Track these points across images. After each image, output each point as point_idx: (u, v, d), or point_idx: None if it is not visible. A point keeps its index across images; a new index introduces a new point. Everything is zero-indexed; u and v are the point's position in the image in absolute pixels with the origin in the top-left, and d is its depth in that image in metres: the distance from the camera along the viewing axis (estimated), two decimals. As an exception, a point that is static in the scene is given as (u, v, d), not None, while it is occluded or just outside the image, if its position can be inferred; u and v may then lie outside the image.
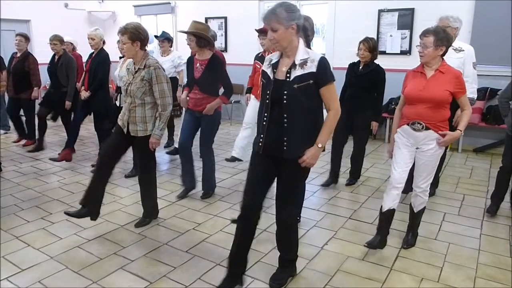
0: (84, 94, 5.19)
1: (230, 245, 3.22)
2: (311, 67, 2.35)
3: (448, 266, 3.02)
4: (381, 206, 3.24)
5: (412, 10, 6.37)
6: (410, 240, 3.31)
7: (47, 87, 8.99)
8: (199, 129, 4.21)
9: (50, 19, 9.08)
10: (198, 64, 4.04)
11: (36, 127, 6.05)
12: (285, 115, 2.39)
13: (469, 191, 4.54)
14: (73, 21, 9.50)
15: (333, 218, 3.85)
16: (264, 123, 2.46)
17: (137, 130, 3.38)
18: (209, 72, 3.97)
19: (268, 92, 2.44)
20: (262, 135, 2.48)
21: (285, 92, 2.37)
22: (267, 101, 2.44)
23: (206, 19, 8.41)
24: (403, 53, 6.55)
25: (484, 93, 5.93)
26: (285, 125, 2.40)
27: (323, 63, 2.36)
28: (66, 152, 5.53)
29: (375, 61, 4.41)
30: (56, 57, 5.70)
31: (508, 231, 3.58)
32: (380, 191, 4.53)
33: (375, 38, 6.61)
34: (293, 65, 2.38)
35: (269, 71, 2.48)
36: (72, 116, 5.78)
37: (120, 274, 2.89)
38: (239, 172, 5.15)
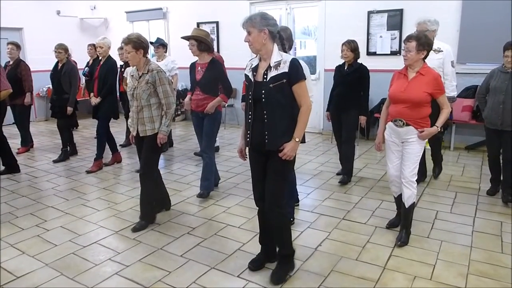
0: (94, 100, 5.44)
1: (225, 249, 3.29)
2: (284, 68, 2.61)
3: (440, 263, 3.06)
4: (393, 194, 3.62)
5: (401, 10, 6.42)
6: (403, 238, 3.37)
7: (41, 94, 9.06)
8: None
9: (43, 27, 9.09)
10: (199, 68, 4.33)
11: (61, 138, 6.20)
12: (264, 112, 2.65)
13: (461, 189, 4.58)
14: (66, 28, 9.52)
15: (327, 219, 3.88)
16: (250, 120, 2.74)
17: (146, 130, 3.64)
18: (210, 73, 4.25)
19: (250, 93, 2.72)
20: (249, 131, 2.76)
21: (263, 91, 2.64)
22: (250, 101, 2.72)
23: (198, 24, 8.44)
24: (393, 53, 6.60)
25: (474, 91, 5.97)
26: (265, 120, 2.66)
27: (294, 63, 2.62)
28: (116, 156, 5.86)
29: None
30: (60, 65, 5.87)
31: (500, 228, 3.62)
32: (373, 191, 4.57)
33: (365, 39, 6.72)
34: (269, 67, 2.65)
35: (250, 74, 2.75)
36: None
37: (115, 280, 2.91)
38: (233, 176, 5.17)
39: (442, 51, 4.22)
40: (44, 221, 3.91)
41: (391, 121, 3.35)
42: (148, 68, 3.60)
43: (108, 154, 5.81)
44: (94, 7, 10.24)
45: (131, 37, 3.55)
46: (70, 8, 9.76)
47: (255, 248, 3.16)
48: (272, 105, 2.63)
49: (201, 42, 4.19)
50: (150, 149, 3.68)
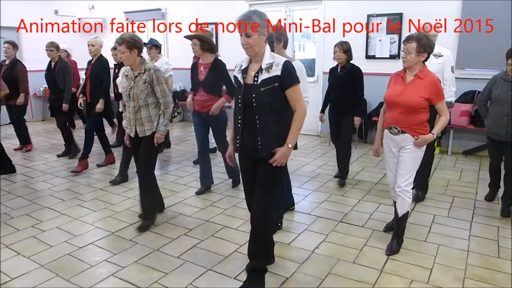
0: (80, 100, 5.47)
1: (222, 250, 3.28)
2: (276, 71, 2.47)
3: (437, 267, 3.05)
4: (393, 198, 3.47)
5: (401, 14, 6.43)
6: (394, 247, 3.25)
7: (37, 94, 9.02)
8: (209, 128, 4.53)
9: (40, 26, 9.04)
10: (202, 68, 4.29)
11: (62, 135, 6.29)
12: (256, 117, 2.51)
13: (459, 193, 4.58)
14: (63, 28, 9.48)
15: (324, 221, 3.87)
16: (239, 125, 2.60)
17: (145, 130, 3.61)
18: (213, 74, 4.24)
19: (239, 96, 2.58)
20: (238, 137, 2.63)
21: (254, 95, 2.50)
22: (240, 105, 2.57)
23: (200, 24, 8.42)
24: (392, 57, 6.59)
25: (472, 96, 5.98)
26: (257, 126, 2.52)
27: (287, 66, 2.48)
28: (109, 156, 5.80)
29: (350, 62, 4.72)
30: (53, 63, 5.86)
31: (497, 232, 3.62)
32: (371, 194, 4.56)
33: (365, 42, 6.72)
34: (260, 70, 2.51)
35: (239, 77, 2.62)
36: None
37: (111, 281, 2.89)
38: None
39: (442, 55, 4.18)
40: (40, 221, 3.88)
41: (386, 128, 3.20)
42: (144, 67, 3.56)
43: (101, 155, 5.79)
44: (93, 7, 10.19)
45: (124, 37, 3.49)
46: (68, 8, 9.72)
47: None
48: (264, 109, 2.48)
49: (204, 41, 4.18)
50: (149, 148, 3.65)
